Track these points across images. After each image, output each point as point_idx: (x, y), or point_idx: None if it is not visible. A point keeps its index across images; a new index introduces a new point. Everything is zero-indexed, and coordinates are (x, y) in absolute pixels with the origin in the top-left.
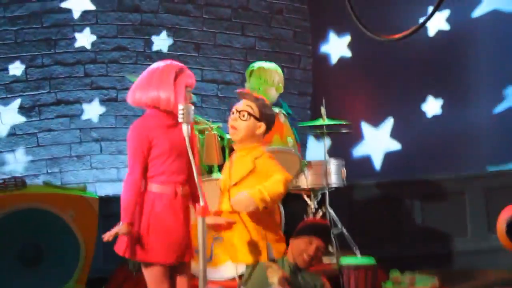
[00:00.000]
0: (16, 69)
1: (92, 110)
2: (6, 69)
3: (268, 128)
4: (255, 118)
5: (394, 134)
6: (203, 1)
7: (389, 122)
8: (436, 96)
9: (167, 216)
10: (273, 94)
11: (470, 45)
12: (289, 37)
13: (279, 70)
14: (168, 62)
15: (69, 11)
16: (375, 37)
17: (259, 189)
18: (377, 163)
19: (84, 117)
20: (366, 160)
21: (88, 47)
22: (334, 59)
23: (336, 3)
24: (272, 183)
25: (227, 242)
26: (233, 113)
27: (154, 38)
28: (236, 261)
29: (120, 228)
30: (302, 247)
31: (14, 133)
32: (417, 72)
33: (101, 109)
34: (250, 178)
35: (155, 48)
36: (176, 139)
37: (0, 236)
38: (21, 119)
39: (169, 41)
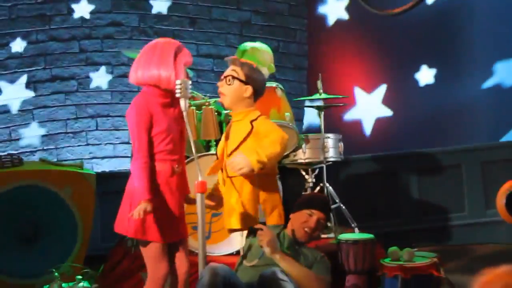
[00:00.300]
0: (13, 45)
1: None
2: (1, 45)
3: (257, 92)
4: (241, 81)
5: (386, 101)
6: None
7: (382, 89)
8: (430, 66)
9: (164, 194)
10: (265, 73)
11: (467, 16)
12: (284, 10)
13: (269, 49)
14: (167, 39)
15: None
16: (374, 11)
17: (255, 150)
18: (368, 127)
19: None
20: (357, 124)
21: (82, 23)
22: (331, 21)
23: None
24: (269, 143)
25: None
26: (221, 80)
27: (148, 12)
28: (229, 226)
29: (145, 205)
30: (302, 220)
31: (8, 110)
32: (413, 39)
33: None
34: (249, 141)
35: (149, 23)
36: (172, 116)
37: None
38: (17, 95)
39: (164, 16)
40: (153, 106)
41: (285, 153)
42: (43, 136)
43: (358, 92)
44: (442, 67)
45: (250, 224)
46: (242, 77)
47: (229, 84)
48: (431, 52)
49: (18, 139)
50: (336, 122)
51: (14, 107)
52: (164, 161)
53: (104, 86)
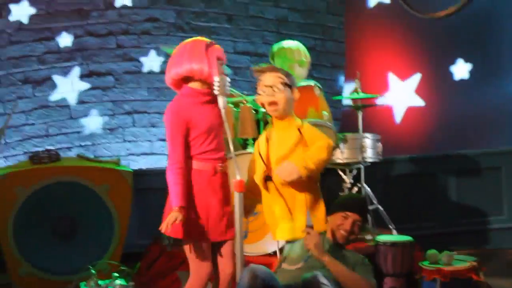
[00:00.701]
0: (49, 40)
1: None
2: (39, 40)
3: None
4: (289, 86)
5: (419, 91)
6: None
7: (416, 78)
8: (466, 60)
9: (207, 193)
10: (297, 69)
11: (509, 15)
12: (322, 8)
13: (301, 46)
14: (196, 38)
15: None
16: (418, 15)
17: (302, 157)
18: (399, 115)
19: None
20: (389, 110)
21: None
22: (372, 3)
23: None
24: (315, 149)
25: (268, 215)
26: (263, 91)
27: (186, 9)
28: (275, 238)
29: (175, 215)
30: (338, 222)
31: (47, 105)
32: (451, 31)
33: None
34: (299, 148)
35: (186, 19)
36: (212, 116)
37: (35, 210)
38: (54, 91)
39: (201, 12)
40: (188, 110)
41: None
42: (80, 132)
43: (392, 78)
44: (479, 63)
45: (298, 233)
46: (288, 82)
47: (282, 91)
48: (468, 46)
49: (55, 135)
50: (368, 108)
51: (52, 102)
52: (207, 161)
53: (141, 82)
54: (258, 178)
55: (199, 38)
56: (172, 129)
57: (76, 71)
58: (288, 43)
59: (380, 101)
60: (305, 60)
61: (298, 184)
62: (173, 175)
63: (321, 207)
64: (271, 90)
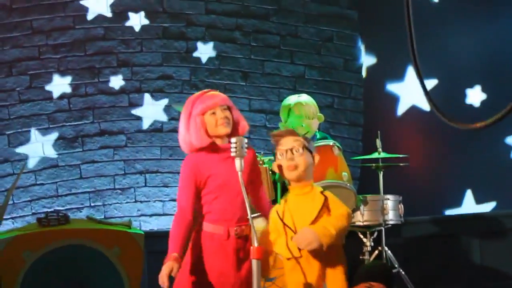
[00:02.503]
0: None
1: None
2: (50, 98)
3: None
4: (308, 150)
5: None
6: (251, 28)
7: None
8: None
9: (217, 258)
10: (315, 125)
11: None
12: (339, 65)
13: (313, 101)
14: (189, 98)
15: (113, 39)
16: (453, 125)
17: (322, 224)
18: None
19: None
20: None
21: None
22: None
23: (389, 30)
24: (336, 217)
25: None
26: (282, 154)
27: (199, 66)
28: None
29: (170, 265)
30: None
31: (56, 165)
32: None
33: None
34: (324, 213)
35: (200, 76)
36: (232, 173)
37: (43, 274)
38: (63, 150)
39: (216, 69)
40: (206, 162)
41: None
42: (90, 192)
43: None
44: None
45: None
46: (308, 146)
47: (301, 155)
48: None
49: (64, 195)
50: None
51: (61, 162)
52: (220, 222)
53: (154, 141)
54: (281, 249)
55: (191, 97)
56: (182, 177)
57: (87, 129)
58: (303, 98)
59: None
60: (321, 115)
61: (316, 254)
62: (175, 223)
63: (340, 280)
64: (290, 153)
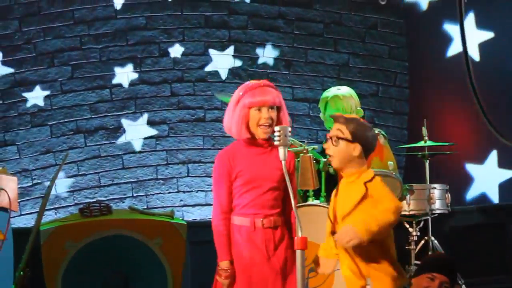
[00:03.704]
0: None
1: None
2: (92, 89)
3: (367, 149)
4: (347, 140)
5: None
6: (294, 16)
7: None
8: None
9: (246, 249)
10: None
11: None
12: (384, 53)
13: (354, 93)
14: (242, 85)
15: (154, 28)
16: (506, 142)
17: (364, 219)
18: (495, 197)
19: None
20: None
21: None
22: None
23: (434, 18)
24: (380, 211)
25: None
26: (326, 140)
27: (243, 55)
28: None
29: (220, 272)
30: (424, 285)
31: (99, 155)
32: None
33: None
34: (364, 204)
35: (244, 65)
36: (265, 168)
37: (85, 264)
38: (106, 140)
39: (259, 59)
40: (236, 158)
41: None
42: (132, 182)
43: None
44: None
45: None
46: (348, 136)
47: (335, 145)
48: None
49: (107, 185)
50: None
51: (103, 152)
52: (246, 215)
53: (196, 131)
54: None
55: (242, 86)
56: (215, 174)
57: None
58: (342, 91)
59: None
60: (360, 109)
61: (360, 249)
62: (214, 230)
63: (386, 276)
64: (330, 142)
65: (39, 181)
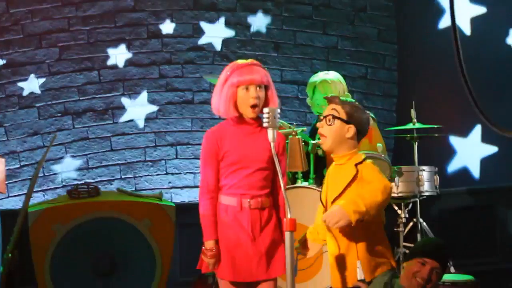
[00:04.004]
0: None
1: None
2: (79, 70)
3: (361, 131)
4: (342, 120)
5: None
6: None
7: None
8: None
9: (231, 229)
10: None
11: None
12: (373, 35)
13: (342, 78)
14: (232, 63)
15: (142, 10)
16: (499, 132)
17: (353, 199)
18: (475, 172)
19: None
20: (464, 172)
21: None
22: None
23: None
24: (369, 192)
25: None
26: (320, 120)
27: (231, 37)
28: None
29: (205, 252)
30: (414, 269)
31: (87, 137)
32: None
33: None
34: (354, 187)
35: (232, 48)
36: (253, 148)
37: (74, 246)
38: (93, 122)
39: (248, 41)
40: (224, 138)
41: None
42: (121, 164)
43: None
44: None
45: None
46: (344, 116)
47: (330, 125)
48: None
49: (95, 167)
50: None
51: (91, 134)
52: (233, 195)
53: (184, 113)
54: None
55: (233, 63)
56: (202, 153)
57: (117, 101)
58: (330, 76)
59: (452, 166)
60: (348, 94)
61: (349, 230)
62: (202, 206)
63: (383, 253)
64: (324, 121)
65: (26, 163)
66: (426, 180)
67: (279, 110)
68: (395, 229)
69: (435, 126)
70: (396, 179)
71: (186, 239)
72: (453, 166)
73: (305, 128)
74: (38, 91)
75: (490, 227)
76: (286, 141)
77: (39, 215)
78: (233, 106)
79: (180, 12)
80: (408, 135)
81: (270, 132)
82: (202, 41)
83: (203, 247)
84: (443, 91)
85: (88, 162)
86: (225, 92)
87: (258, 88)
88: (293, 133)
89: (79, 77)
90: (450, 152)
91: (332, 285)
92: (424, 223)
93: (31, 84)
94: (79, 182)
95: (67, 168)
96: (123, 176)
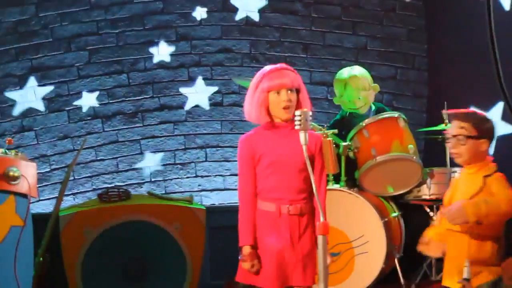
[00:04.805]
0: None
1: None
2: (109, 74)
3: (491, 139)
4: (475, 138)
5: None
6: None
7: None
8: None
9: (270, 236)
10: (372, 96)
11: None
12: (402, 35)
13: (366, 71)
14: (266, 67)
15: (171, 13)
16: None
17: (475, 201)
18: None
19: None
20: None
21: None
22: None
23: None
24: (495, 199)
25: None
26: (449, 138)
27: (261, 39)
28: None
29: (242, 257)
30: None
31: (116, 140)
32: None
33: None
34: (479, 197)
35: (261, 49)
36: (288, 150)
37: (104, 250)
38: (123, 125)
39: (276, 42)
40: (259, 142)
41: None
42: (151, 167)
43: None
44: None
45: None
46: (475, 133)
47: (463, 144)
48: None
49: (125, 170)
50: None
51: (121, 137)
52: (271, 200)
53: (214, 115)
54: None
55: (264, 68)
56: (239, 160)
57: (147, 104)
58: (357, 71)
59: None
60: (376, 85)
61: (466, 229)
62: (240, 210)
63: (485, 265)
64: (454, 141)
65: (57, 166)
66: None
67: (310, 113)
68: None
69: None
70: (428, 181)
71: (216, 243)
72: None
73: (336, 131)
74: (68, 95)
75: None
76: None
77: (70, 219)
78: (265, 111)
79: (208, 13)
80: (440, 136)
81: (302, 135)
82: (229, 43)
83: (241, 253)
84: (474, 91)
85: (118, 165)
86: (257, 98)
87: (289, 92)
88: (324, 135)
89: (109, 80)
90: None
91: (443, 280)
92: None
93: (61, 88)
94: (110, 186)
95: (98, 171)
96: (153, 179)
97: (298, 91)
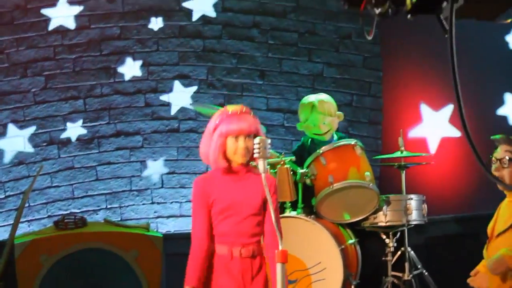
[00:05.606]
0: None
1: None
2: (65, 99)
3: None
4: None
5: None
6: (268, 26)
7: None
8: None
9: (223, 278)
10: (336, 123)
11: None
12: (358, 62)
13: (332, 99)
14: (221, 111)
15: (128, 38)
16: (495, 181)
17: None
18: (433, 146)
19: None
20: (423, 141)
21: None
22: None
23: (407, 28)
24: None
25: None
26: (493, 162)
27: (218, 65)
28: None
29: None
30: None
31: (72, 167)
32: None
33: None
34: None
35: (217, 75)
36: (242, 194)
37: (61, 277)
38: (79, 151)
39: (234, 68)
40: (214, 184)
41: (366, 215)
42: (106, 194)
43: (424, 109)
44: None
45: None
46: None
47: (506, 167)
48: None
49: (81, 197)
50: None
51: (77, 163)
52: (224, 243)
53: (170, 142)
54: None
55: (220, 111)
56: (193, 200)
57: (103, 130)
58: (324, 96)
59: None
60: (341, 113)
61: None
62: (191, 253)
63: None
64: (498, 163)
65: (11, 193)
66: (414, 209)
67: (269, 141)
68: (383, 258)
69: (423, 155)
70: (384, 208)
71: (172, 269)
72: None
73: (293, 158)
74: (23, 120)
75: (478, 256)
76: (274, 170)
77: (26, 247)
78: (222, 155)
79: (166, 40)
80: (396, 164)
81: (260, 163)
82: (186, 69)
83: None
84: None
85: (73, 192)
86: (214, 142)
87: (247, 138)
88: (282, 162)
89: (65, 105)
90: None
91: None
92: (412, 252)
93: (16, 113)
94: (65, 212)
95: (53, 198)
96: (109, 206)
97: (256, 136)
